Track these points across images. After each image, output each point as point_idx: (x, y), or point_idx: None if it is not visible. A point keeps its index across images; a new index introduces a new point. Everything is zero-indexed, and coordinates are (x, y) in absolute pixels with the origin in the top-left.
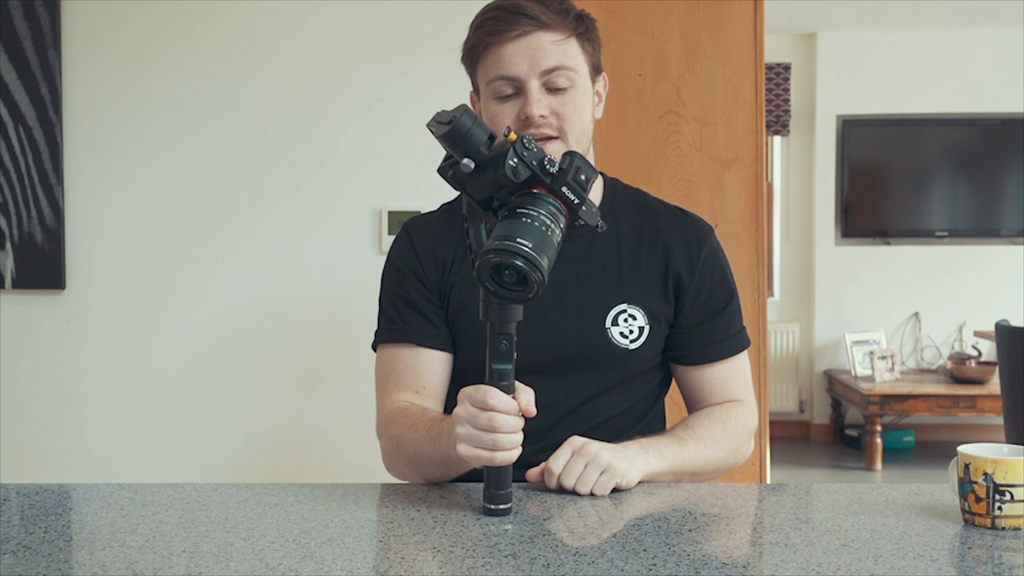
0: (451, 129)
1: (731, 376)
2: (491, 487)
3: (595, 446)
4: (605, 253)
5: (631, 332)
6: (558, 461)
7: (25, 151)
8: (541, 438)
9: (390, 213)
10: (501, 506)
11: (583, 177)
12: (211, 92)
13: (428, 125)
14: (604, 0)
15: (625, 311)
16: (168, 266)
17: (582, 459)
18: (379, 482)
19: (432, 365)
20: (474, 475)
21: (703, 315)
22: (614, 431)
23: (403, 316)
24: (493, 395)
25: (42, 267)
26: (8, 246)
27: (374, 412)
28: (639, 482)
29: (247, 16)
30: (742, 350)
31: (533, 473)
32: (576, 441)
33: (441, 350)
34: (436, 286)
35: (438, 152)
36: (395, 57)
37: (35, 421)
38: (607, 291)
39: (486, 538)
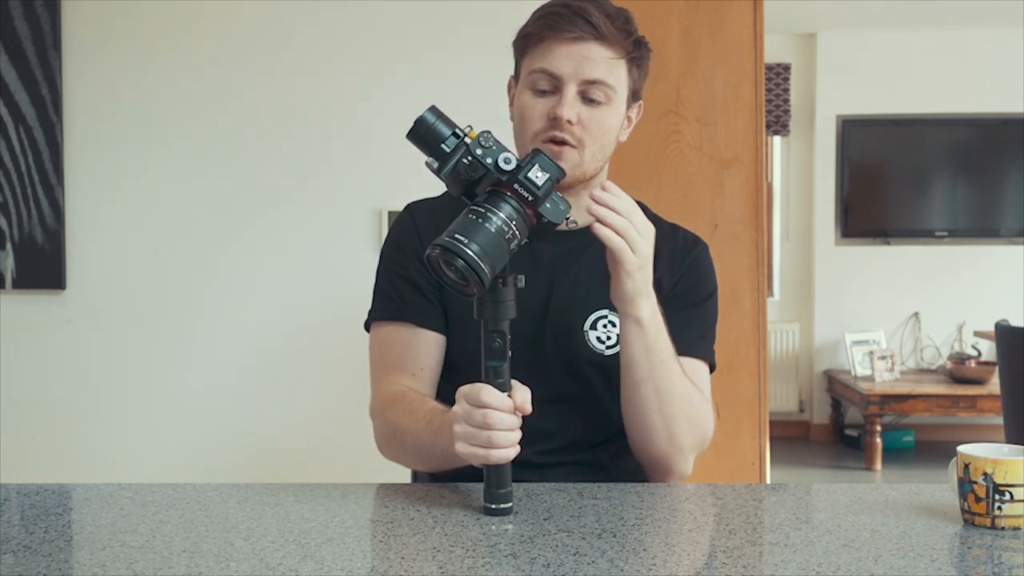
0: (413, 125)
1: (690, 374)
2: (491, 486)
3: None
4: (595, 260)
5: (608, 338)
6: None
7: (25, 151)
8: (535, 439)
9: (390, 213)
10: (501, 505)
11: (540, 174)
12: (211, 92)
13: None
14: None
15: (605, 316)
16: (168, 266)
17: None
18: (379, 482)
19: (428, 347)
20: (474, 472)
21: (673, 306)
22: (607, 438)
23: (402, 295)
24: (487, 392)
25: (42, 267)
26: (8, 246)
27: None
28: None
29: (247, 16)
30: (704, 359)
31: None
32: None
33: (438, 332)
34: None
35: None
36: (396, 57)
37: (35, 421)
38: (590, 296)
39: (486, 538)
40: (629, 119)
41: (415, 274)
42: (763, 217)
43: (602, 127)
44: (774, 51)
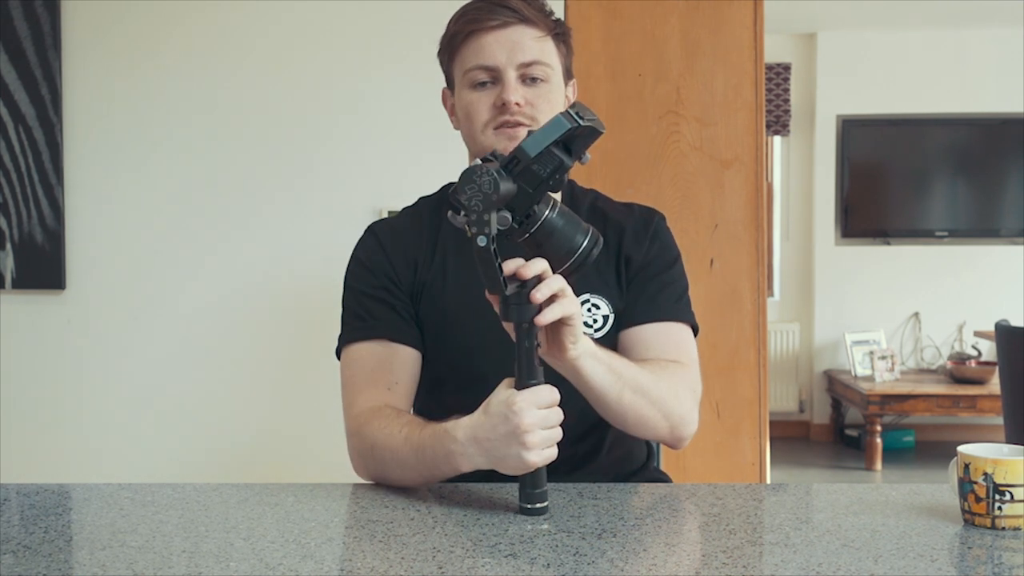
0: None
1: (670, 338)
2: (527, 487)
3: (574, 302)
4: None
5: (595, 321)
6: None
7: (25, 151)
8: None
9: (390, 213)
10: (537, 505)
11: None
12: (211, 92)
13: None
14: (604, 0)
15: (588, 300)
16: (168, 266)
17: (559, 287)
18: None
19: (404, 361)
20: (472, 473)
21: (644, 276)
22: (592, 423)
23: (372, 312)
24: (551, 391)
25: (42, 267)
26: (8, 246)
27: None
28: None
29: (247, 16)
30: (683, 320)
31: (509, 265)
32: (563, 285)
33: (413, 347)
34: (408, 285)
35: (437, 152)
36: (396, 57)
37: (35, 421)
38: (571, 281)
39: (486, 538)
40: (568, 98)
41: (384, 293)
42: (763, 217)
43: (549, 103)
44: (774, 51)
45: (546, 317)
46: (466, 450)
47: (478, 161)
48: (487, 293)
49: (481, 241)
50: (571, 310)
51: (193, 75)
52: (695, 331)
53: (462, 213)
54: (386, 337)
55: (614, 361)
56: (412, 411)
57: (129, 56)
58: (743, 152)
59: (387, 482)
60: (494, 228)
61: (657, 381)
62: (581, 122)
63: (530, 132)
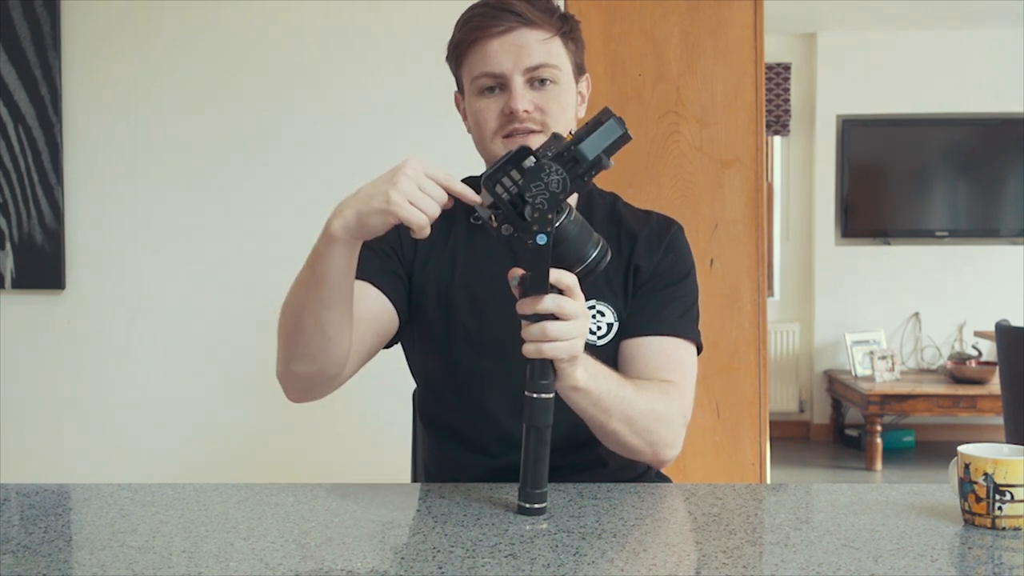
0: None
1: (668, 355)
2: (527, 486)
3: (584, 321)
4: None
5: (599, 328)
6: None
7: (25, 151)
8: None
9: None
10: (536, 505)
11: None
12: (211, 92)
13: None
14: (604, 0)
15: (594, 307)
16: (168, 266)
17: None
18: (379, 482)
19: (372, 300)
20: (471, 474)
21: (651, 287)
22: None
23: (365, 259)
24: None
25: (42, 267)
26: (8, 246)
27: (374, 412)
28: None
29: (247, 16)
30: (685, 337)
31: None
32: (577, 306)
33: (387, 295)
34: (408, 261)
35: (439, 153)
36: (396, 58)
37: (35, 421)
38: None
39: (486, 538)
40: (581, 95)
41: (382, 253)
42: (763, 217)
43: (559, 106)
44: (774, 51)
45: (527, 349)
46: (341, 210)
47: (532, 159)
48: (521, 290)
49: (542, 239)
50: (553, 354)
51: (193, 75)
52: (699, 348)
53: (508, 198)
54: (364, 278)
55: (603, 389)
56: (413, 406)
57: (129, 56)
58: (743, 152)
59: (286, 350)
60: (554, 228)
61: (648, 411)
62: (628, 132)
63: (573, 131)
